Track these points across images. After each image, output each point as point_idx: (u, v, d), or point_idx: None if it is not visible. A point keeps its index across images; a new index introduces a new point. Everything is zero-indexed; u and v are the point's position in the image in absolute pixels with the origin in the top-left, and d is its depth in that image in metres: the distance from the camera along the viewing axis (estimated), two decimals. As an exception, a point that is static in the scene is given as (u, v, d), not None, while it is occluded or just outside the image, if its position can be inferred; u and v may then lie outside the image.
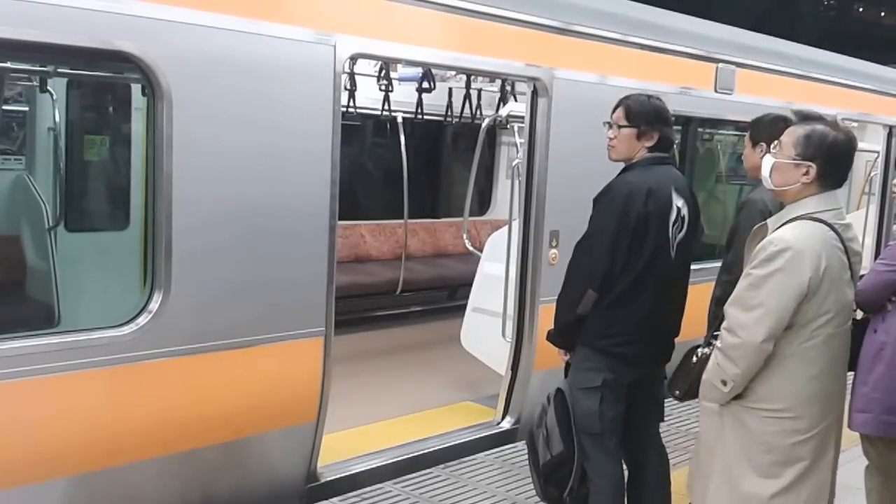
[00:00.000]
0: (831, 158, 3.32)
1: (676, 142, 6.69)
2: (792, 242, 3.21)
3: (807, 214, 3.31)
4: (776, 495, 3.30)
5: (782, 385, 3.28)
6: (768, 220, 3.44)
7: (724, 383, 3.30)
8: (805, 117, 3.42)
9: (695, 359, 3.61)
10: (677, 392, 3.70)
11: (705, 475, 3.51)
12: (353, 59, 5.43)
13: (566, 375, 4.12)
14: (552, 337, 4.11)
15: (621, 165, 4.06)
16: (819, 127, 3.34)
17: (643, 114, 4.00)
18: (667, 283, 3.97)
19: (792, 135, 3.35)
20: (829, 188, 3.36)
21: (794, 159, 3.32)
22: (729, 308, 3.32)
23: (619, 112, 4.04)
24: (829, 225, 3.30)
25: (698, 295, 4.51)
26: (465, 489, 4.96)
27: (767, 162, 3.40)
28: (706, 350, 3.55)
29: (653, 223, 3.87)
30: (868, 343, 3.99)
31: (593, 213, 3.97)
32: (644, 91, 4.30)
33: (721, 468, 3.43)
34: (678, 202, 3.96)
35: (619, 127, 4.02)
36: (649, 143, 4.00)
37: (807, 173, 3.30)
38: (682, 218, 3.99)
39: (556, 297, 4.06)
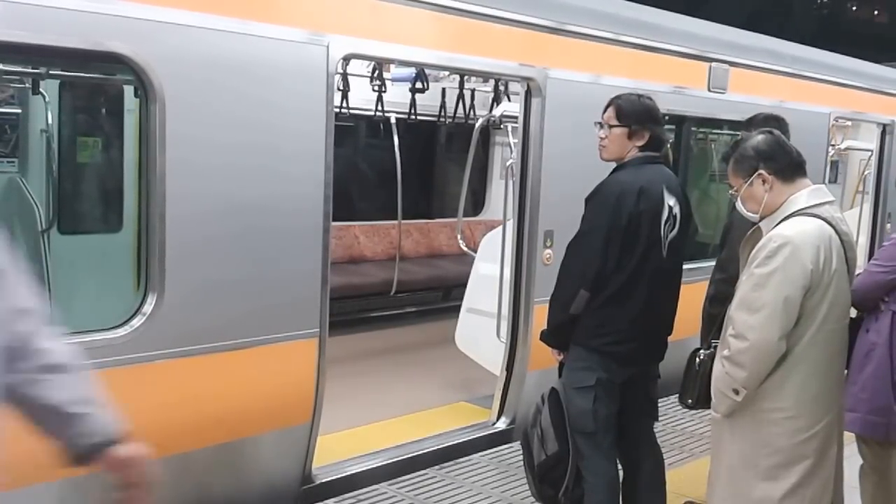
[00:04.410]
0: (768, 155, 3.38)
1: (670, 141, 6.70)
2: (791, 237, 3.23)
3: (800, 210, 3.33)
4: (786, 495, 3.29)
5: (784, 384, 3.27)
6: (761, 223, 3.44)
7: (736, 392, 3.28)
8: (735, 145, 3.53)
9: (697, 361, 3.60)
10: (689, 401, 3.69)
11: (711, 483, 3.51)
12: (347, 59, 5.42)
13: (560, 375, 4.12)
14: (546, 337, 4.11)
15: (614, 165, 4.07)
16: (743, 144, 3.45)
17: (634, 113, 4.00)
18: (659, 282, 3.96)
19: (730, 168, 3.46)
20: (794, 177, 3.39)
21: (746, 179, 3.39)
22: (735, 313, 3.30)
23: (610, 112, 4.04)
24: (825, 219, 3.32)
25: (694, 294, 4.52)
26: (460, 490, 4.96)
27: (739, 206, 3.49)
28: (708, 352, 3.54)
29: (644, 222, 3.88)
30: (860, 342, 4.02)
31: (585, 213, 3.97)
32: (637, 90, 4.30)
33: (726, 477, 3.42)
34: (670, 201, 3.97)
35: (610, 127, 4.02)
36: (640, 143, 4.00)
37: (764, 181, 3.36)
38: (674, 217, 3.99)
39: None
